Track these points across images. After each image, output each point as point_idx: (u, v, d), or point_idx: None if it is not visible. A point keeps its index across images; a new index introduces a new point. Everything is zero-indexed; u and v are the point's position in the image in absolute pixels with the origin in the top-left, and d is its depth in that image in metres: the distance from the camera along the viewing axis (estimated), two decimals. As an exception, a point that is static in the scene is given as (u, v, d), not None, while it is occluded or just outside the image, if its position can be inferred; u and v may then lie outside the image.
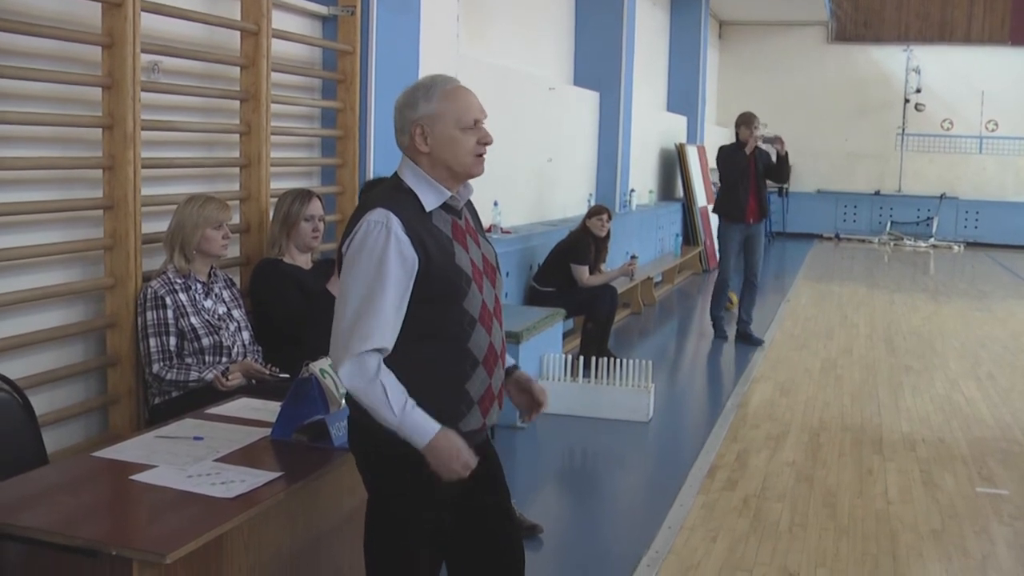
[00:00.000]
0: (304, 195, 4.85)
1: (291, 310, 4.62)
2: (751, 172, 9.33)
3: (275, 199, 4.99)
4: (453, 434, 2.70)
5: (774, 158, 9.60)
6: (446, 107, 2.76)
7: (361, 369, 2.64)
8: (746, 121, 9.34)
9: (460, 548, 2.95)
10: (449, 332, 2.75)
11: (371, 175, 5.79)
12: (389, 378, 2.66)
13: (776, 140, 9.55)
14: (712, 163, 17.18)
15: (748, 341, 9.50)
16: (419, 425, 2.66)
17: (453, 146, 2.77)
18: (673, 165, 15.78)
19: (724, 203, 9.58)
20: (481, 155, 2.81)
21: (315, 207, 4.84)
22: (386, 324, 2.66)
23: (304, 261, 4.87)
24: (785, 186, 9.13)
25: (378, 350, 2.66)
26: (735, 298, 10.13)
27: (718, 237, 9.95)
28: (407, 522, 2.79)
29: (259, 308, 4.72)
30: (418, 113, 2.78)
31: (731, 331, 9.76)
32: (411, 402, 2.66)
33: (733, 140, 9.59)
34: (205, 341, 4.23)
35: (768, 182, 9.72)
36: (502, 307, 2.96)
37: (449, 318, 2.75)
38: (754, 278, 9.61)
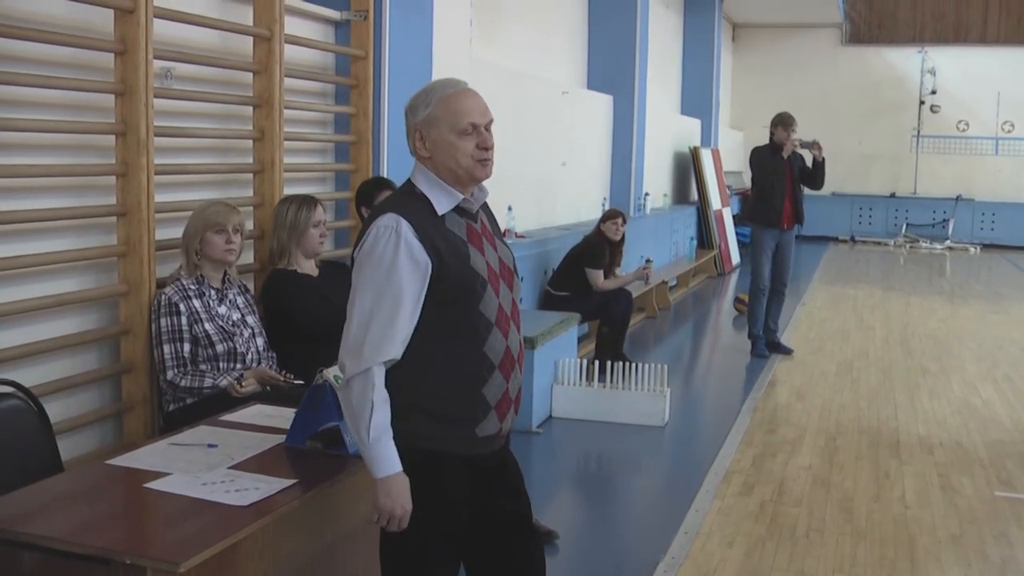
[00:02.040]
0: (308, 202, 4.80)
1: (317, 318, 4.57)
2: (787, 176, 8.96)
3: (288, 206, 4.97)
4: (406, 480, 2.70)
5: (810, 163, 9.18)
6: (441, 112, 2.75)
7: (364, 383, 2.65)
8: (783, 122, 8.94)
9: (478, 555, 2.93)
10: (465, 336, 2.73)
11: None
12: (382, 400, 2.66)
13: (813, 145, 9.06)
14: (727, 166, 17.23)
15: (778, 350, 9.34)
16: (386, 458, 2.68)
17: (451, 151, 2.75)
18: (687, 168, 15.75)
19: (757, 208, 9.22)
20: (482, 159, 2.77)
21: (320, 213, 4.80)
22: (396, 334, 2.66)
23: (311, 268, 4.83)
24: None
25: (386, 362, 2.66)
26: (745, 297, 10.03)
27: (750, 244, 9.58)
28: (422, 528, 2.78)
29: (276, 319, 4.68)
30: (418, 118, 2.78)
31: (743, 332, 9.65)
32: (389, 433, 2.67)
33: (767, 142, 9.15)
34: (219, 347, 4.22)
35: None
36: (519, 311, 2.94)
37: (465, 321, 2.73)
38: (783, 286, 9.30)
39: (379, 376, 2.65)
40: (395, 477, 2.68)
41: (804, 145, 9.00)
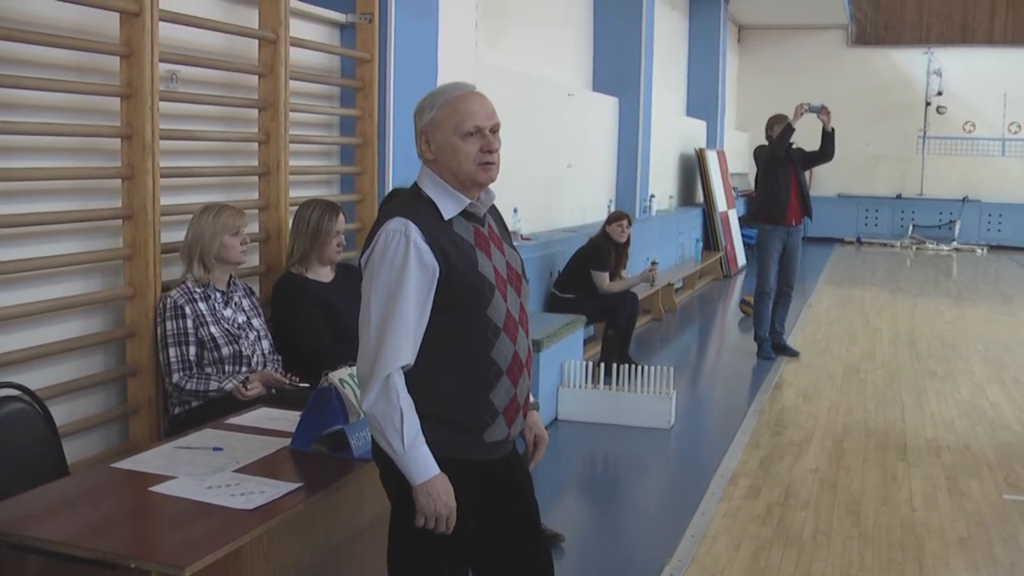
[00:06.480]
0: (332, 209, 4.80)
1: (315, 340, 4.58)
2: (790, 169, 8.97)
3: (295, 207, 4.96)
4: (446, 479, 2.69)
5: (820, 134, 9.05)
6: (445, 114, 2.73)
7: (386, 392, 2.63)
8: (778, 120, 9.05)
9: (486, 560, 2.92)
10: (472, 341, 2.72)
11: (390, 182, 5.78)
12: (408, 405, 2.64)
13: (822, 110, 8.95)
14: (732, 168, 17.19)
15: (784, 352, 9.33)
16: (423, 462, 2.66)
17: (455, 154, 2.73)
18: (693, 170, 15.74)
19: (763, 204, 9.21)
20: (486, 163, 2.75)
21: (341, 222, 4.82)
22: (409, 339, 2.65)
23: (326, 273, 4.83)
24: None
25: (403, 367, 2.65)
26: (751, 300, 10.01)
27: (757, 245, 9.52)
28: (430, 534, 2.76)
29: (280, 326, 4.68)
30: (424, 121, 2.77)
31: (750, 335, 9.62)
32: (421, 437, 2.65)
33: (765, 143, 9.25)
34: (225, 351, 4.22)
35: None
36: (528, 316, 2.93)
37: (472, 327, 2.72)
38: (789, 288, 9.31)
39: (400, 381, 2.64)
40: (436, 481, 2.67)
41: (812, 110, 8.92)
